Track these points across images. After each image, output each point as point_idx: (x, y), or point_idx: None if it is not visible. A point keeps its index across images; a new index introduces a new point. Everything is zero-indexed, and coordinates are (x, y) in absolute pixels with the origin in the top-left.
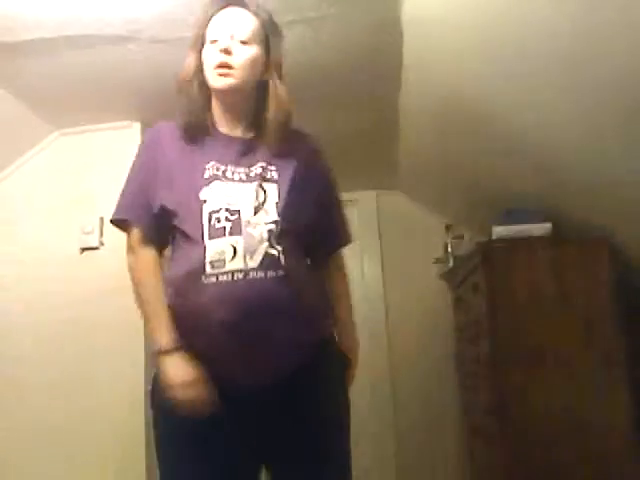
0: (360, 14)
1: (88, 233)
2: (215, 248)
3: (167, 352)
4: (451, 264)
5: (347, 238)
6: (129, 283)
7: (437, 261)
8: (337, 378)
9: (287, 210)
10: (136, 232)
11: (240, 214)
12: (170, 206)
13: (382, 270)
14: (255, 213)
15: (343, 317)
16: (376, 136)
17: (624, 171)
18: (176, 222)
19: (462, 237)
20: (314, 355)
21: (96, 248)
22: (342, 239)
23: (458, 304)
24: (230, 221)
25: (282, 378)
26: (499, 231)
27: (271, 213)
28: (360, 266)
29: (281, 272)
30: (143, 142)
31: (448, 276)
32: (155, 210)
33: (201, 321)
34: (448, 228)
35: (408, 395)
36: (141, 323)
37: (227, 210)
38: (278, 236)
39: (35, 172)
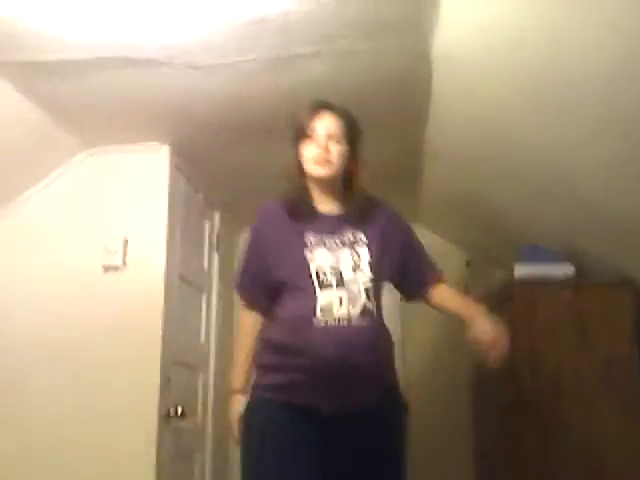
0: (391, 49)
1: (112, 252)
2: (325, 297)
3: (234, 391)
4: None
5: (440, 273)
6: (150, 302)
7: None
8: (399, 421)
9: (378, 268)
10: (244, 300)
11: (342, 273)
12: (283, 273)
13: (400, 303)
14: (354, 272)
15: (467, 303)
16: (401, 168)
17: None
18: (286, 279)
19: (482, 273)
20: (383, 397)
21: (119, 268)
22: (436, 273)
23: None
24: (335, 277)
25: (363, 410)
26: (521, 270)
27: (366, 271)
28: None
29: (373, 322)
30: (253, 226)
31: None
32: (263, 286)
33: (309, 355)
34: (468, 263)
35: (422, 435)
36: (159, 343)
37: (332, 268)
38: (372, 293)
39: (63, 190)
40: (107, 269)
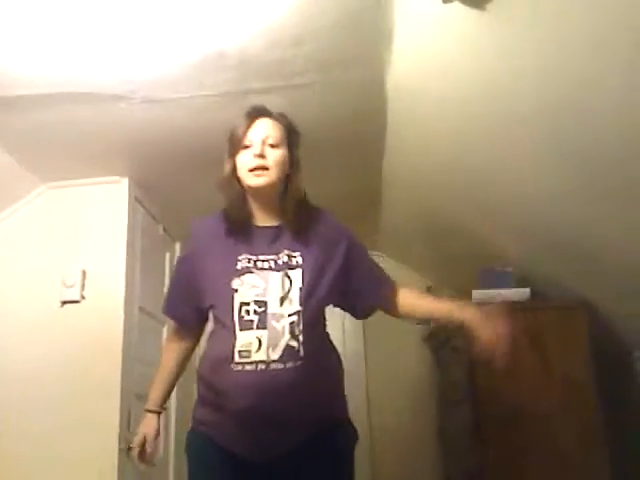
0: (347, 83)
1: (70, 286)
2: (244, 339)
3: (148, 410)
4: (432, 326)
5: (394, 283)
6: (108, 337)
7: (419, 322)
8: (345, 454)
9: (310, 295)
10: (175, 320)
11: (267, 306)
12: (208, 301)
13: (363, 328)
14: (281, 304)
15: (437, 301)
16: (359, 199)
17: (603, 236)
18: (213, 311)
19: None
20: (326, 430)
21: (77, 301)
22: (390, 282)
23: (439, 367)
24: (258, 314)
25: (289, 452)
26: (479, 295)
27: (294, 302)
28: (341, 324)
29: (299, 362)
30: (187, 244)
31: (429, 338)
32: (191, 309)
33: (227, 400)
34: (429, 289)
35: (388, 460)
36: (118, 376)
37: (256, 302)
38: (299, 327)
39: (20, 224)
40: (64, 303)
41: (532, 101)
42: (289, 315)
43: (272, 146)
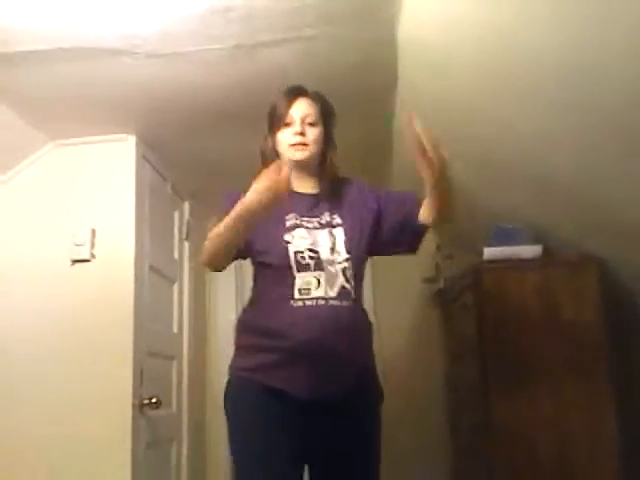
0: (356, 34)
1: (79, 245)
2: (303, 279)
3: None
4: (442, 284)
5: (417, 199)
6: (119, 295)
7: (427, 281)
8: (378, 411)
9: (353, 248)
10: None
11: (320, 254)
12: (258, 246)
13: (372, 288)
14: (331, 253)
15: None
16: (369, 153)
17: (616, 192)
18: (264, 259)
19: (452, 257)
20: (361, 380)
21: (87, 260)
22: (416, 202)
23: (448, 323)
24: (313, 259)
25: (335, 393)
26: (489, 253)
27: (342, 253)
28: None
29: (351, 303)
30: (229, 193)
31: (438, 296)
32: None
33: (286, 337)
34: (439, 248)
35: (396, 414)
36: (131, 334)
37: (309, 250)
38: (350, 273)
39: (28, 183)
40: (75, 262)
41: (543, 52)
42: (339, 262)
43: (311, 124)
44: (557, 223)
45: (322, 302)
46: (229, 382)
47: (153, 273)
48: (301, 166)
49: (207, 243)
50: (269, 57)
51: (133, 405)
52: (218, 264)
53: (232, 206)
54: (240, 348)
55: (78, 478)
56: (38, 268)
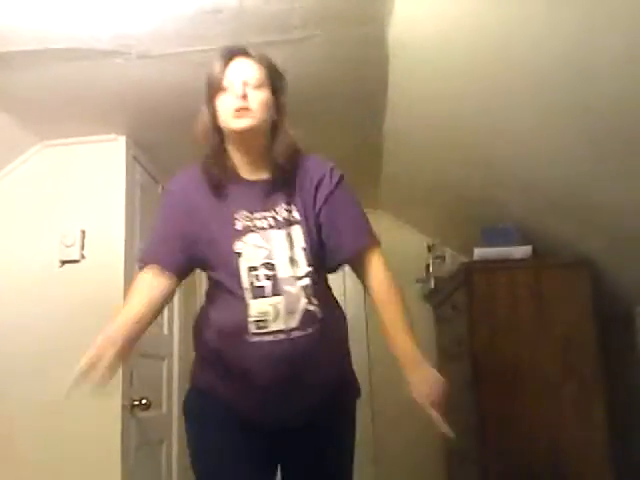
0: (347, 34)
1: (69, 246)
2: (258, 308)
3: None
4: (433, 284)
5: (374, 240)
6: (109, 296)
7: (419, 281)
8: (351, 410)
9: (312, 252)
10: (157, 264)
11: (276, 269)
12: (204, 254)
13: (364, 288)
14: (291, 265)
15: (402, 332)
16: (360, 155)
17: (608, 194)
18: (213, 274)
19: (444, 257)
20: (336, 391)
21: (77, 261)
22: (367, 237)
23: (439, 324)
24: (269, 279)
25: (301, 412)
26: (480, 253)
27: (301, 264)
28: (342, 284)
29: (317, 326)
30: (166, 190)
31: (430, 296)
32: (183, 258)
33: (247, 376)
34: (430, 248)
35: (386, 416)
36: None
37: (264, 266)
38: (313, 289)
39: (18, 183)
40: (64, 263)
41: (535, 55)
42: (300, 278)
43: (254, 87)
44: (548, 224)
45: (282, 336)
46: (190, 391)
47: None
48: (246, 139)
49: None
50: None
51: (123, 406)
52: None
53: (171, 210)
54: (197, 356)
55: (68, 479)
56: (27, 269)
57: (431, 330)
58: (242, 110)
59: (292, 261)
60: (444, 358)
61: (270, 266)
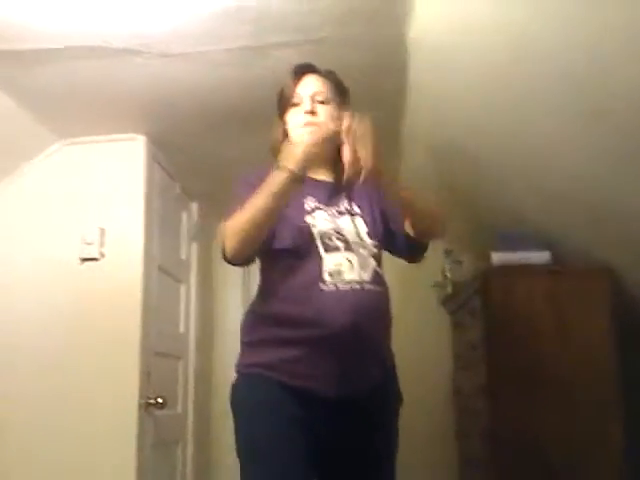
0: (366, 34)
1: (89, 244)
2: (333, 260)
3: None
4: (450, 289)
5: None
6: (127, 295)
7: (436, 285)
8: (398, 408)
9: (377, 237)
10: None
11: (347, 237)
12: (279, 243)
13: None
14: (358, 238)
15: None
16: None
17: (627, 199)
18: (283, 244)
19: (461, 262)
20: (390, 377)
21: (96, 259)
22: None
23: (456, 329)
24: (341, 240)
25: (361, 393)
26: (498, 258)
27: (367, 240)
28: None
29: (384, 289)
30: (241, 178)
31: (447, 301)
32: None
33: (320, 324)
34: (447, 253)
35: (402, 420)
36: (138, 334)
37: (336, 232)
38: (379, 258)
39: (37, 181)
40: (84, 260)
41: (554, 55)
42: (367, 247)
43: (322, 102)
44: (567, 230)
45: (357, 286)
46: (237, 380)
47: (161, 273)
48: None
49: (230, 233)
50: (279, 58)
51: (139, 405)
52: (250, 254)
53: (248, 192)
54: (249, 344)
55: (83, 477)
56: (47, 266)
57: (447, 335)
58: (310, 124)
59: (359, 236)
60: (460, 364)
61: (341, 234)
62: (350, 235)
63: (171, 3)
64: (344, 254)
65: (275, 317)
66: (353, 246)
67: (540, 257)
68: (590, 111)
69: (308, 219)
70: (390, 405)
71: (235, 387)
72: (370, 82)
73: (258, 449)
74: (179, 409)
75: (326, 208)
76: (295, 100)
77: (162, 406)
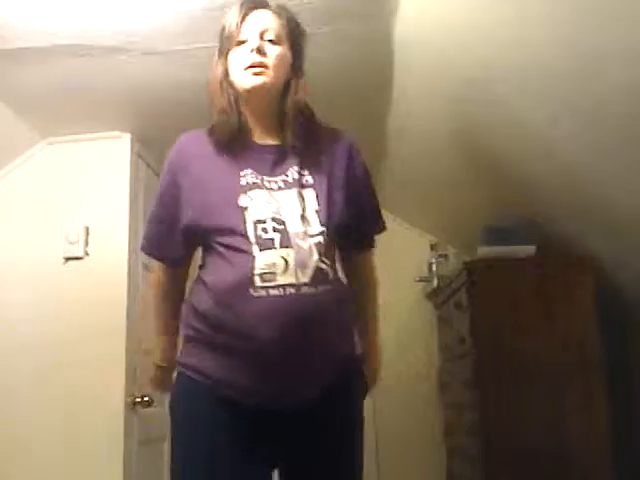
0: (352, 31)
1: (73, 243)
2: (265, 260)
3: (158, 367)
4: (435, 283)
5: (381, 225)
6: (112, 293)
7: (421, 280)
8: (360, 399)
9: (328, 218)
10: (156, 257)
11: (286, 225)
12: (205, 226)
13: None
14: (301, 222)
15: (370, 327)
16: (363, 151)
17: (611, 192)
18: (216, 237)
19: (446, 256)
20: (345, 372)
21: (81, 258)
22: (377, 226)
23: (442, 323)
24: (278, 232)
25: (314, 393)
26: (484, 251)
27: (314, 224)
28: None
29: (329, 287)
30: (166, 161)
31: (432, 295)
32: (179, 237)
33: (249, 337)
34: (433, 247)
35: (390, 414)
36: (123, 332)
37: (274, 220)
38: (325, 248)
39: (21, 181)
40: (68, 259)
41: (543, 49)
42: (312, 236)
43: (272, 42)
44: (552, 223)
45: (292, 290)
46: (176, 378)
47: (146, 271)
48: (258, 99)
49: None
50: None
51: (126, 403)
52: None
53: (169, 187)
54: (185, 338)
55: (71, 476)
56: (31, 266)
57: (433, 329)
58: (258, 66)
59: (303, 219)
60: (446, 357)
61: (279, 221)
62: (291, 220)
63: (155, 1)
64: (279, 251)
65: (203, 315)
66: (292, 238)
67: (526, 250)
68: (579, 103)
69: (242, 200)
70: (349, 401)
71: (174, 387)
72: (355, 78)
73: (189, 463)
74: (166, 406)
75: (268, 181)
76: (241, 37)
77: (149, 404)
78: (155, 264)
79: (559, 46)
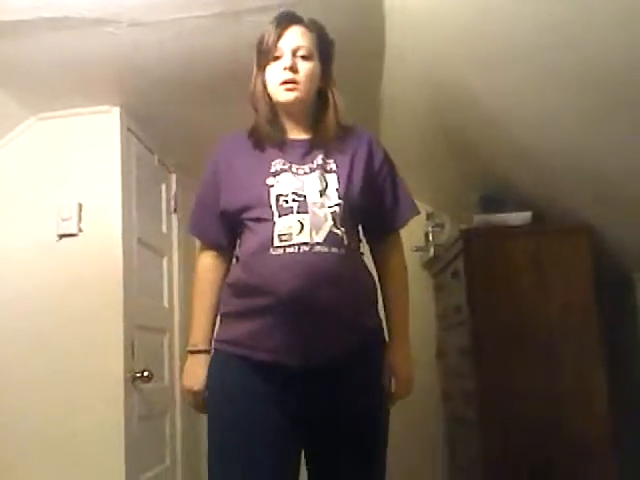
0: (343, 1)
1: (66, 220)
2: (283, 224)
3: (191, 352)
4: (432, 252)
5: (411, 211)
6: (108, 269)
7: (418, 249)
8: (380, 369)
9: (347, 195)
10: (203, 241)
11: (306, 197)
12: (236, 204)
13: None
14: (321, 196)
15: (399, 320)
16: (357, 118)
17: (605, 159)
18: (245, 214)
19: (443, 225)
20: (364, 343)
21: (74, 235)
22: (404, 215)
23: (439, 292)
24: (297, 202)
25: (333, 361)
26: (480, 219)
27: (333, 198)
28: None
29: (343, 250)
30: (211, 159)
31: (429, 264)
32: (224, 224)
33: (267, 291)
34: (429, 216)
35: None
36: (120, 308)
37: (294, 194)
38: (341, 218)
39: (11, 158)
40: (62, 236)
41: (534, 16)
42: (329, 207)
43: (304, 58)
44: (547, 191)
45: (305, 248)
46: (212, 357)
47: (142, 246)
48: (293, 109)
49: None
50: (255, 25)
51: (125, 379)
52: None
53: (212, 177)
54: (221, 316)
55: (71, 453)
56: (25, 244)
57: (430, 298)
58: (289, 83)
59: (322, 193)
60: (443, 326)
61: (300, 195)
62: (311, 194)
63: None
64: (296, 216)
65: (234, 286)
66: (309, 207)
67: (522, 218)
68: (572, 69)
69: (269, 180)
70: (373, 370)
71: (209, 365)
72: (347, 46)
73: (224, 439)
74: (166, 381)
75: (297, 167)
76: (276, 53)
77: (149, 379)
78: (200, 250)
79: (557, 16)
